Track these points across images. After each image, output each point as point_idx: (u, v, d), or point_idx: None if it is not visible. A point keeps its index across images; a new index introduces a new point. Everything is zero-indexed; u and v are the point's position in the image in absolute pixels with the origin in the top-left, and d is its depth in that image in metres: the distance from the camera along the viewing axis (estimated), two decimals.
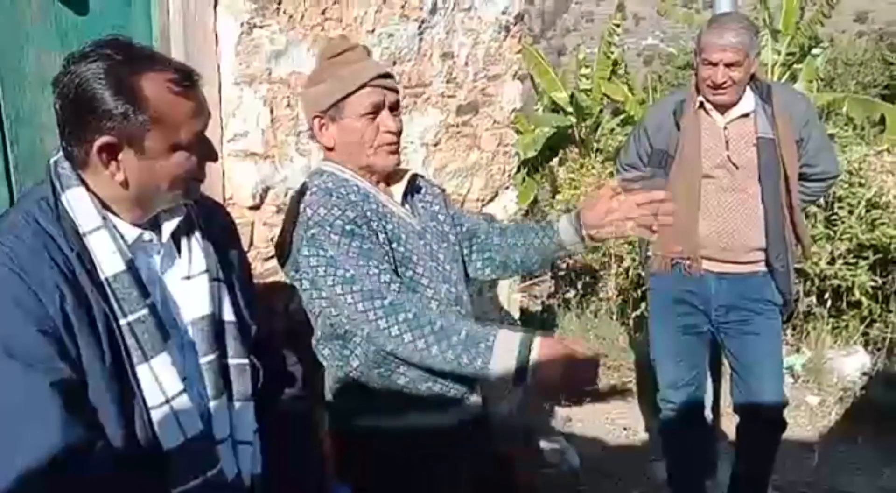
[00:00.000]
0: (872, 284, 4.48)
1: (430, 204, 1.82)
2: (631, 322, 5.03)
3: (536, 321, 4.96)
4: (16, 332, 1.06)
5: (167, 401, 1.18)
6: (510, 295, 3.22)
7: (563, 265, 5.89)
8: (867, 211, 4.49)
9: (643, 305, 4.49)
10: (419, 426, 1.64)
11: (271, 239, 2.08)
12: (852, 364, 4.31)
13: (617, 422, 4.00)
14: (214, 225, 1.36)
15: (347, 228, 1.55)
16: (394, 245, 1.63)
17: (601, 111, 7.67)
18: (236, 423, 1.32)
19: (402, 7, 2.41)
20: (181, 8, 1.90)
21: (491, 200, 2.95)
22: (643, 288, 4.01)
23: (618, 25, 7.87)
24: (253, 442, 1.35)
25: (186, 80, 1.18)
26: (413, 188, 1.79)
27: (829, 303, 4.64)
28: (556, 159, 7.65)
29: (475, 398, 1.75)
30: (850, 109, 7.34)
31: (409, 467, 1.63)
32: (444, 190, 1.91)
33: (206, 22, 1.96)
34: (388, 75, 1.68)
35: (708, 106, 2.58)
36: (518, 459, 2.89)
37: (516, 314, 3.29)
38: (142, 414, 1.17)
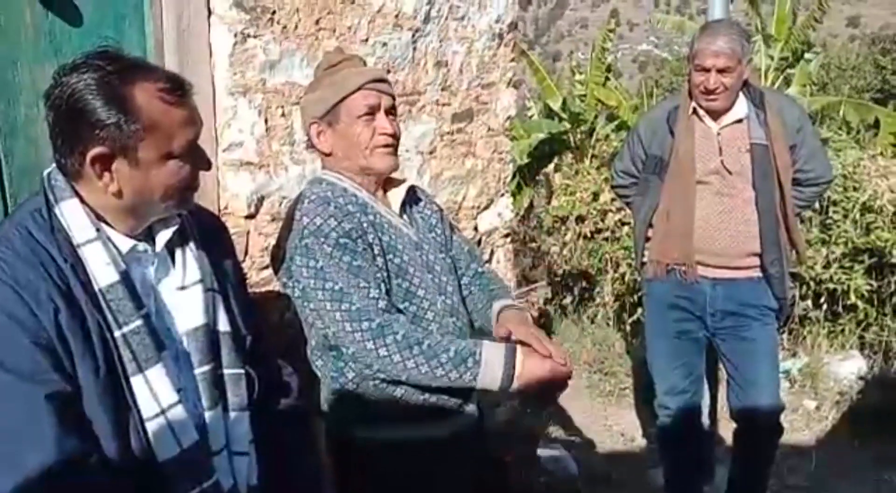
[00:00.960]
0: (868, 287, 4.48)
1: (429, 216, 1.81)
2: (628, 328, 5.03)
3: None
4: (10, 344, 1.06)
5: (162, 412, 1.18)
6: None
7: (560, 271, 5.90)
8: (862, 215, 4.50)
9: (640, 310, 4.49)
10: (416, 438, 1.64)
11: (266, 248, 2.08)
12: (848, 368, 4.32)
13: (614, 429, 4.00)
14: (209, 235, 1.36)
15: (341, 241, 1.55)
16: (389, 256, 1.63)
17: (596, 117, 7.69)
18: (232, 434, 1.32)
19: (396, 16, 2.42)
20: (175, 19, 1.90)
21: (486, 207, 2.95)
22: (640, 293, 4.01)
23: (612, 31, 7.90)
24: (249, 453, 1.35)
25: (178, 89, 1.17)
26: (411, 199, 1.79)
27: (824, 307, 4.64)
28: (551, 165, 7.66)
29: (471, 408, 1.74)
30: (846, 113, 7.39)
31: (407, 478, 1.63)
32: (442, 209, 1.90)
33: (201, 33, 1.96)
34: (383, 79, 1.68)
35: (701, 112, 2.59)
36: (515, 465, 2.88)
37: None
38: (137, 426, 1.16)
